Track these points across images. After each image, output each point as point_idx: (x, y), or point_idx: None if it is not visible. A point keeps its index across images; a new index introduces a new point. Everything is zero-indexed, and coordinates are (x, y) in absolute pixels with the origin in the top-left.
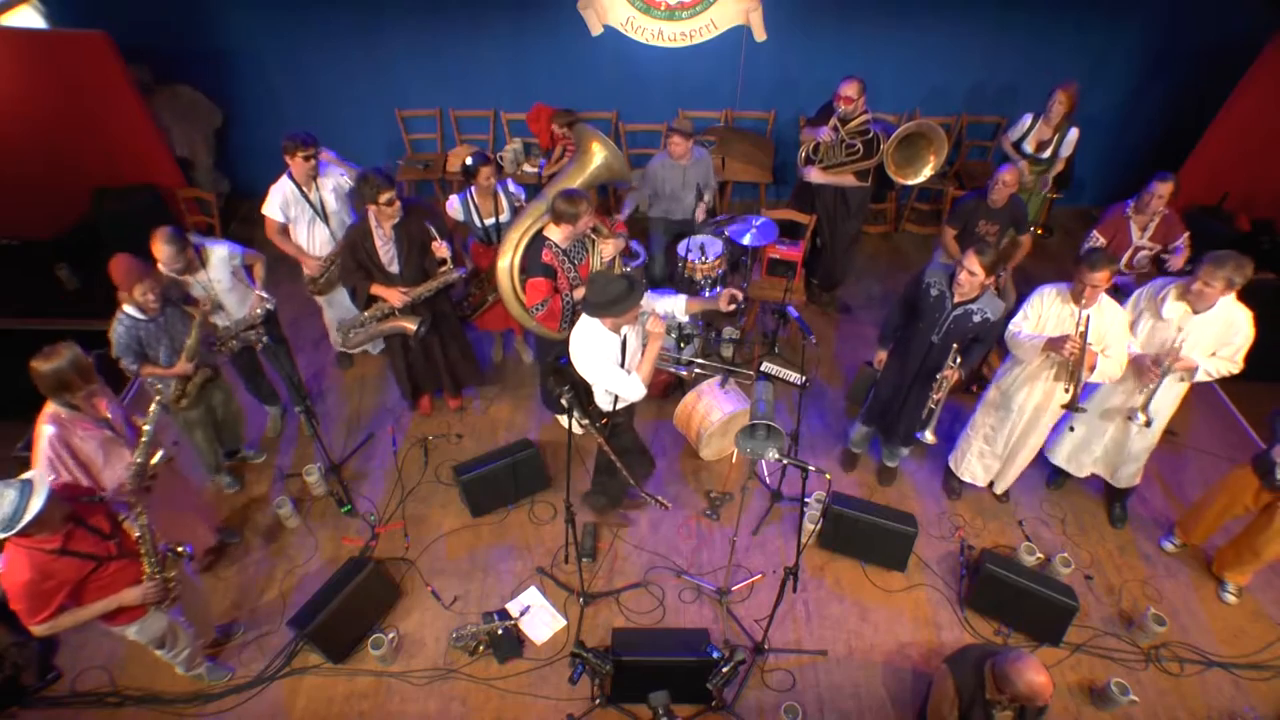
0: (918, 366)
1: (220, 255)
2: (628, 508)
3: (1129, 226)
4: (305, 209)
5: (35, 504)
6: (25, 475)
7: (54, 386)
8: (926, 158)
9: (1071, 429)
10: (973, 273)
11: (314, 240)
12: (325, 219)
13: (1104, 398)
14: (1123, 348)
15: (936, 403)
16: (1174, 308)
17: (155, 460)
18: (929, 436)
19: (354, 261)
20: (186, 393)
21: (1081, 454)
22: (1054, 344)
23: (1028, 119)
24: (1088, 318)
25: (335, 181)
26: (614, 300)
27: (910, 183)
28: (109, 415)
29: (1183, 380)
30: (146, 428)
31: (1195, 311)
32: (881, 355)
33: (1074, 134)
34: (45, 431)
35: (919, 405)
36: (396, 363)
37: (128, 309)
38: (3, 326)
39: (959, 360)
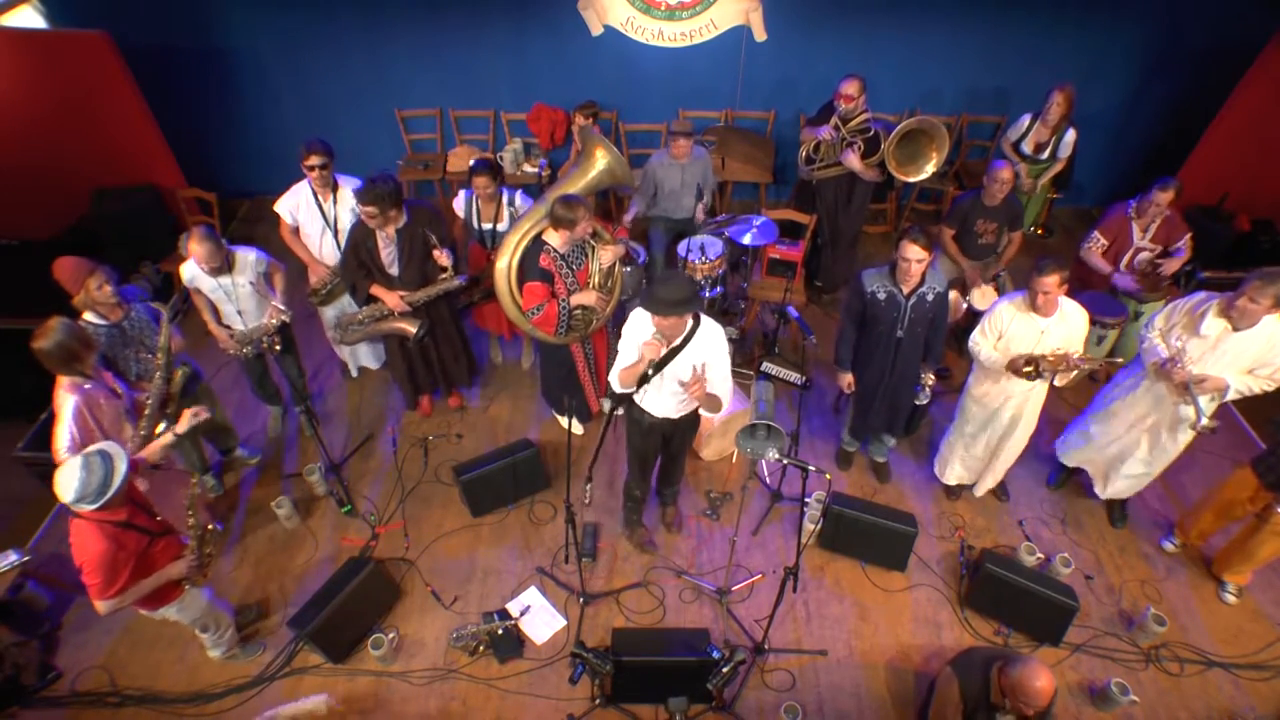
0: (890, 367)
1: (248, 260)
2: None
3: (1130, 227)
4: (316, 217)
5: (121, 469)
6: (96, 447)
7: (63, 359)
8: (928, 154)
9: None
10: (919, 260)
11: (321, 251)
12: (335, 233)
13: (1141, 410)
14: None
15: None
16: (1213, 324)
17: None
18: (923, 398)
19: (355, 259)
20: (171, 395)
21: (1109, 472)
22: (1014, 367)
23: (1026, 119)
24: (1036, 365)
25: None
26: (670, 301)
27: (912, 180)
28: (117, 387)
29: (1214, 400)
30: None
31: (1236, 329)
32: (848, 377)
33: (1071, 135)
34: (69, 402)
35: (897, 396)
36: (397, 367)
37: (88, 316)
38: (3, 326)
39: (930, 380)
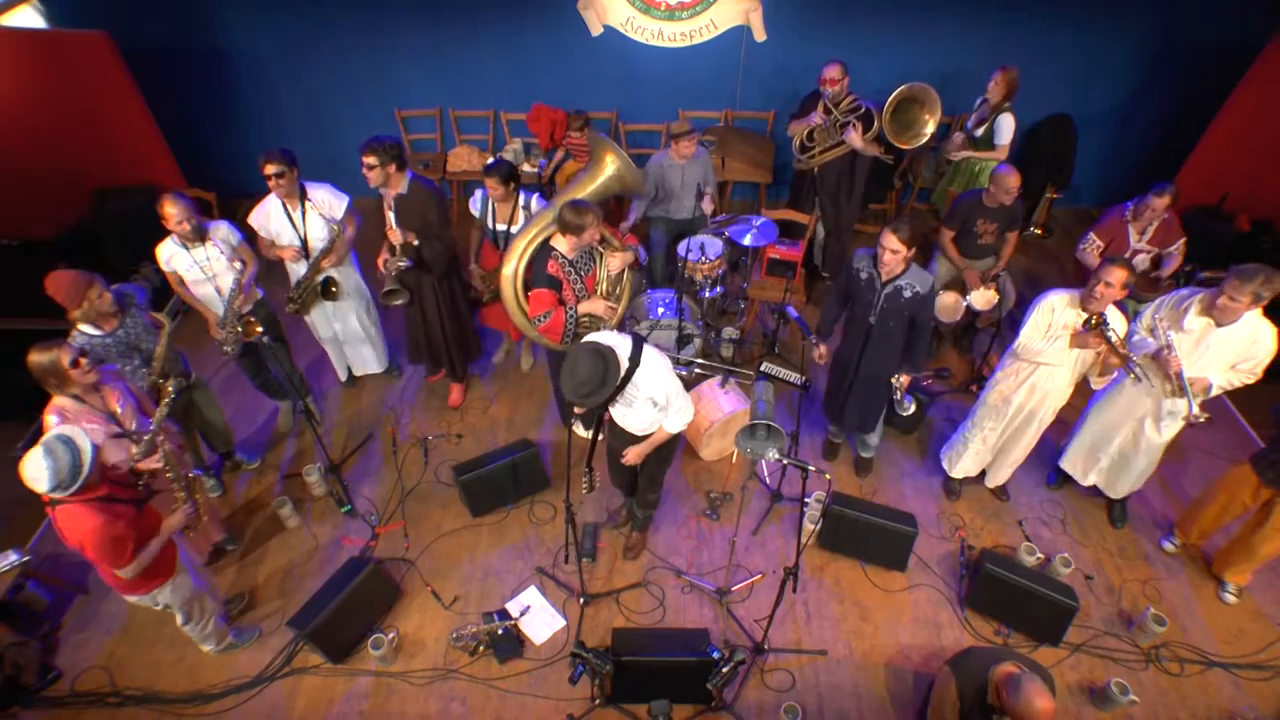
0: (859, 352)
1: (221, 233)
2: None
3: (1127, 230)
4: (287, 227)
5: (87, 448)
6: (53, 433)
7: (42, 377)
8: (923, 119)
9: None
10: (894, 251)
11: (292, 263)
12: (305, 244)
13: (1125, 405)
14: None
15: (899, 394)
16: (1195, 321)
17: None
18: (908, 408)
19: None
20: (165, 401)
21: (1087, 460)
22: (1079, 339)
23: (980, 99)
24: (1101, 316)
25: (327, 212)
26: (576, 396)
27: (913, 146)
28: (118, 409)
29: (1198, 398)
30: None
31: (1219, 325)
32: (822, 349)
33: (1008, 121)
34: (49, 421)
35: (868, 394)
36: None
37: (83, 328)
38: (3, 327)
39: (903, 383)
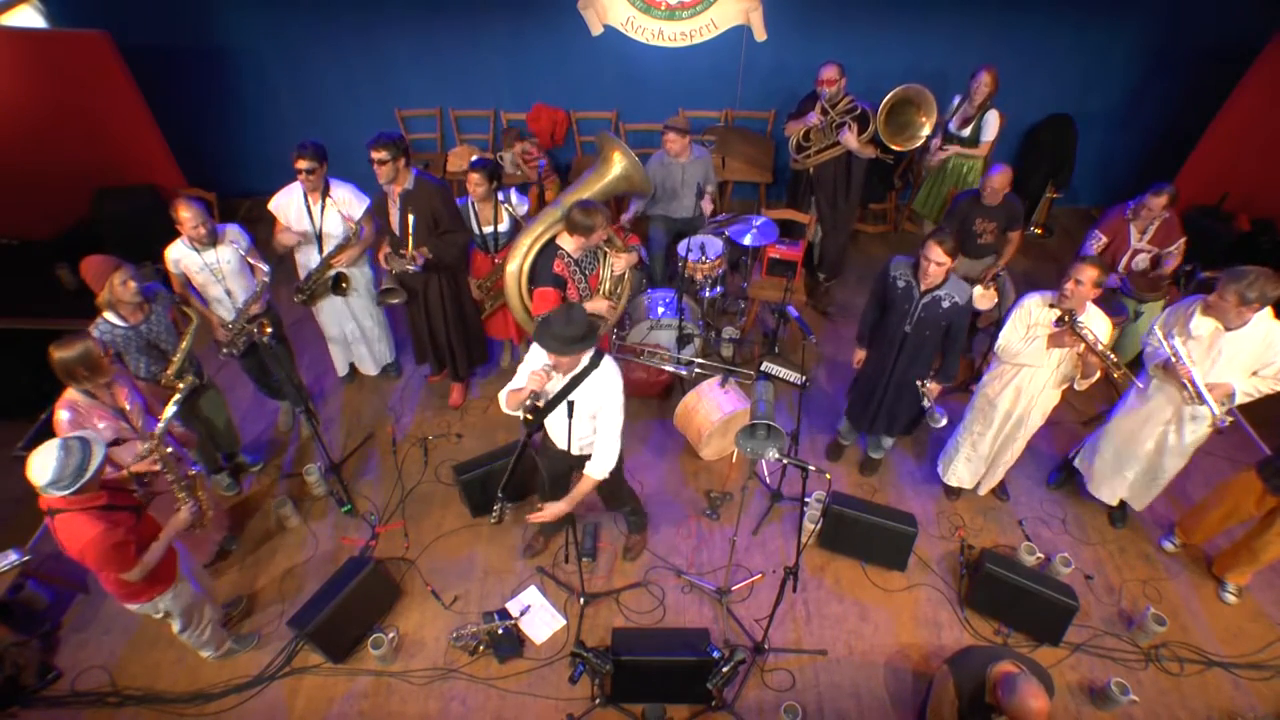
0: (893, 360)
1: (229, 233)
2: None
3: (1128, 229)
4: (304, 220)
5: (98, 454)
6: (76, 433)
7: (61, 373)
8: (919, 121)
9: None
10: (939, 263)
11: (301, 254)
12: (320, 239)
13: (1147, 413)
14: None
15: (928, 401)
16: (1202, 323)
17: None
18: (940, 421)
19: (383, 211)
20: (174, 399)
21: (1114, 480)
22: (1056, 339)
23: (956, 99)
24: (1070, 313)
25: (346, 210)
26: (562, 338)
27: (909, 148)
28: (126, 406)
29: (1222, 404)
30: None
31: (1227, 328)
32: (861, 353)
33: (994, 117)
34: (61, 416)
35: (897, 399)
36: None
37: (107, 315)
38: (2, 326)
39: (927, 385)
